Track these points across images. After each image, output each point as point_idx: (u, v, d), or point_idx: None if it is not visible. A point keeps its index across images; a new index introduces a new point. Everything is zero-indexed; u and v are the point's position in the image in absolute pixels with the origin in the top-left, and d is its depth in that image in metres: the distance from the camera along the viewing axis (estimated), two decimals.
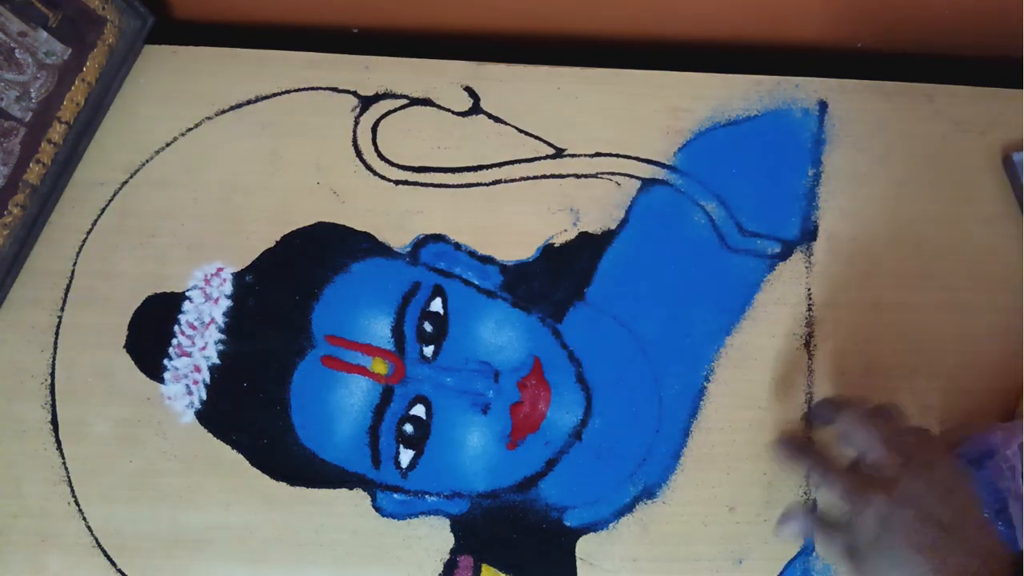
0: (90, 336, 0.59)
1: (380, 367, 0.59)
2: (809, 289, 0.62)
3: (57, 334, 0.59)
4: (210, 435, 0.58)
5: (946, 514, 0.46)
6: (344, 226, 0.61)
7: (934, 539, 0.45)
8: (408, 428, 0.58)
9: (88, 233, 0.61)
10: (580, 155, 0.64)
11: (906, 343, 0.61)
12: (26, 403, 0.58)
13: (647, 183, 0.63)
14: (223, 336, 0.59)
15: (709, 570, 0.58)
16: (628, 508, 0.59)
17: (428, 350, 0.59)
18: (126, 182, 0.62)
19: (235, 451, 0.58)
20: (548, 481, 0.58)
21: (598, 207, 0.63)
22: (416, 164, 0.63)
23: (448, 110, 0.64)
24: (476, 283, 0.61)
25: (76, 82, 0.59)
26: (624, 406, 0.60)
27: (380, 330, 0.59)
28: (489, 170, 0.63)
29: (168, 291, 0.60)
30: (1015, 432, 0.54)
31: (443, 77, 0.64)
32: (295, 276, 0.60)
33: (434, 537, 0.58)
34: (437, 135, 0.63)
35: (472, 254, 0.61)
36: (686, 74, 0.65)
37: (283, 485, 0.58)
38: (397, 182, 0.63)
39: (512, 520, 0.58)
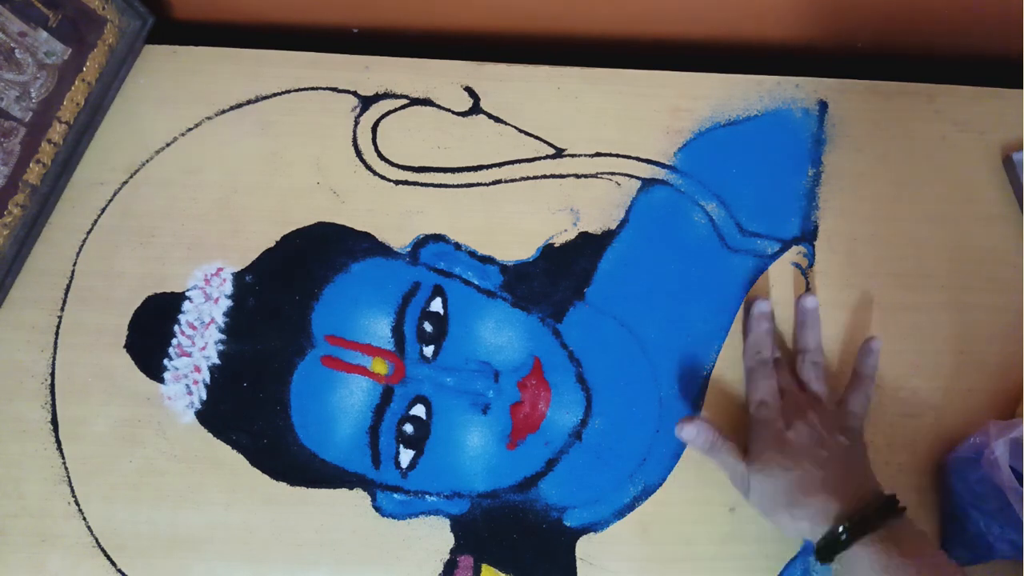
0: (90, 336, 0.59)
1: (380, 367, 0.59)
2: (809, 289, 0.62)
3: (57, 334, 0.59)
4: (210, 435, 0.58)
5: (831, 454, 0.53)
6: (344, 226, 0.61)
7: (818, 477, 0.52)
8: (408, 428, 0.58)
9: (88, 233, 0.61)
10: (580, 155, 0.64)
11: (906, 343, 0.61)
12: (26, 403, 0.58)
13: (647, 183, 0.63)
14: (223, 336, 0.59)
15: (709, 570, 0.58)
16: (628, 508, 0.58)
17: (428, 350, 0.59)
18: (126, 182, 0.62)
19: (235, 451, 0.58)
20: (548, 481, 0.58)
21: (598, 207, 0.63)
22: (416, 164, 0.63)
23: (448, 110, 0.64)
24: (476, 283, 0.61)
25: (76, 82, 0.59)
26: (624, 406, 0.60)
27: (380, 330, 0.59)
28: (489, 170, 0.63)
29: (168, 291, 0.60)
30: (1007, 428, 0.54)
31: (443, 77, 0.64)
32: (295, 276, 0.60)
33: (434, 537, 0.58)
34: (437, 135, 0.63)
35: (472, 254, 0.61)
36: (686, 74, 0.65)
37: (283, 485, 0.58)
38: (397, 182, 0.63)
39: (512, 520, 0.58)
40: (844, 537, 0.49)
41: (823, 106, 0.65)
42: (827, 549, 0.50)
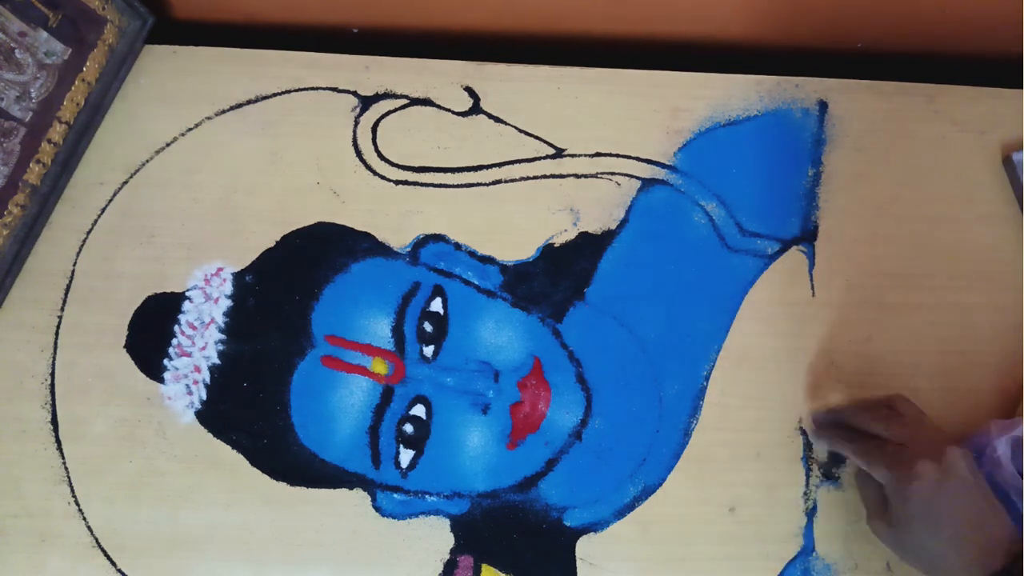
0: (90, 336, 0.59)
1: (380, 367, 0.59)
2: (809, 289, 0.62)
3: (57, 334, 0.59)
4: (210, 435, 0.58)
5: (979, 490, 0.50)
6: (344, 226, 0.61)
7: (977, 510, 0.49)
8: (408, 428, 0.58)
9: (88, 233, 0.61)
10: (580, 155, 0.64)
11: (906, 343, 0.61)
12: (26, 403, 0.58)
13: (647, 183, 0.63)
14: (223, 336, 0.59)
15: (709, 570, 0.58)
16: (628, 508, 0.59)
17: (428, 350, 0.59)
18: (126, 182, 0.62)
19: (235, 451, 0.58)
20: (548, 481, 0.58)
21: (598, 207, 0.63)
22: (416, 164, 0.63)
23: (448, 110, 0.64)
24: (476, 283, 0.61)
25: (76, 82, 0.59)
26: (624, 406, 0.60)
27: (380, 330, 0.59)
28: (489, 170, 0.63)
29: (168, 291, 0.60)
30: (1009, 427, 0.55)
31: (443, 77, 0.64)
32: (295, 276, 0.60)
33: (434, 537, 0.58)
34: (437, 135, 0.63)
35: (472, 254, 0.61)
36: (686, 74, 0.65)
37: (283, 485, 0.58)
38: (397, 182, 0.63)
39: (512, 520, 0.58)
40: None
41: (823, 106, 0.65)
42: None
